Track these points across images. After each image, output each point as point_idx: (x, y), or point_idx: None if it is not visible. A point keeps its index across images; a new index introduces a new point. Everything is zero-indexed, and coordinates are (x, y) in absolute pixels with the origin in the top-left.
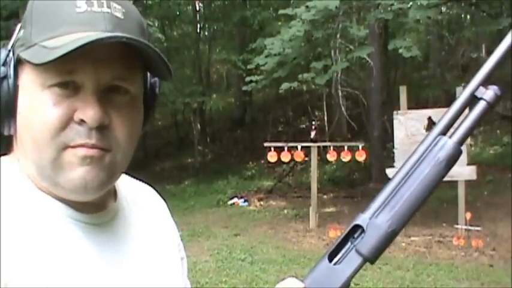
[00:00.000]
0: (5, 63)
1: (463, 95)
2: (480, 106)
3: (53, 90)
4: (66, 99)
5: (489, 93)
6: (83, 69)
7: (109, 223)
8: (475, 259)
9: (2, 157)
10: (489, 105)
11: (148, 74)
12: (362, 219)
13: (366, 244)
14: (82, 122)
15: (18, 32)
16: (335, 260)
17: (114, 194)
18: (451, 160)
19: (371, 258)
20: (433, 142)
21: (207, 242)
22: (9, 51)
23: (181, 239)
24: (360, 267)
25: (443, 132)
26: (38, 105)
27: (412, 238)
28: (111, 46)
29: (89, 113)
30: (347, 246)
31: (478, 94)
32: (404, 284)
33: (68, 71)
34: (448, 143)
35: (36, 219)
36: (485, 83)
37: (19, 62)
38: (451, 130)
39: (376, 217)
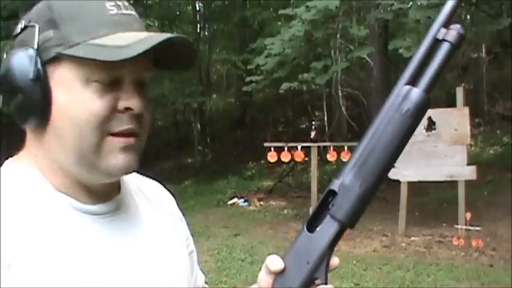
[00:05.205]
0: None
1: (425, 41)
2: (443, 48)
3: (95, 84)
4: (109, 92)
5: (451, 33)
6: (124, 65)
7: (114, 214)
8: (475, 259)
9: (12, 158)
10: (453, 46)
11: None
12: (335, 183)
13: (339, 207)
14: (126, 110)
15: (39, 34)
16: (313, 229)
17: (118, 186)
18: (417, 109)
19: (346, 222)
20: (398, 94)
21: (207, 242)
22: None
23: None
24: (338, 233)
25: (411, 83)
26: (83, 98)
27: (412, 238)
28: None
29: (134, 101)
30: (324, 214)
31: (440, 36)
32: (404, 284)
33: (112, 67)
34: (413, 92)
35: (45, 212)
36: (448, 24)
37: (51, 60)
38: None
39: (346, 178)
